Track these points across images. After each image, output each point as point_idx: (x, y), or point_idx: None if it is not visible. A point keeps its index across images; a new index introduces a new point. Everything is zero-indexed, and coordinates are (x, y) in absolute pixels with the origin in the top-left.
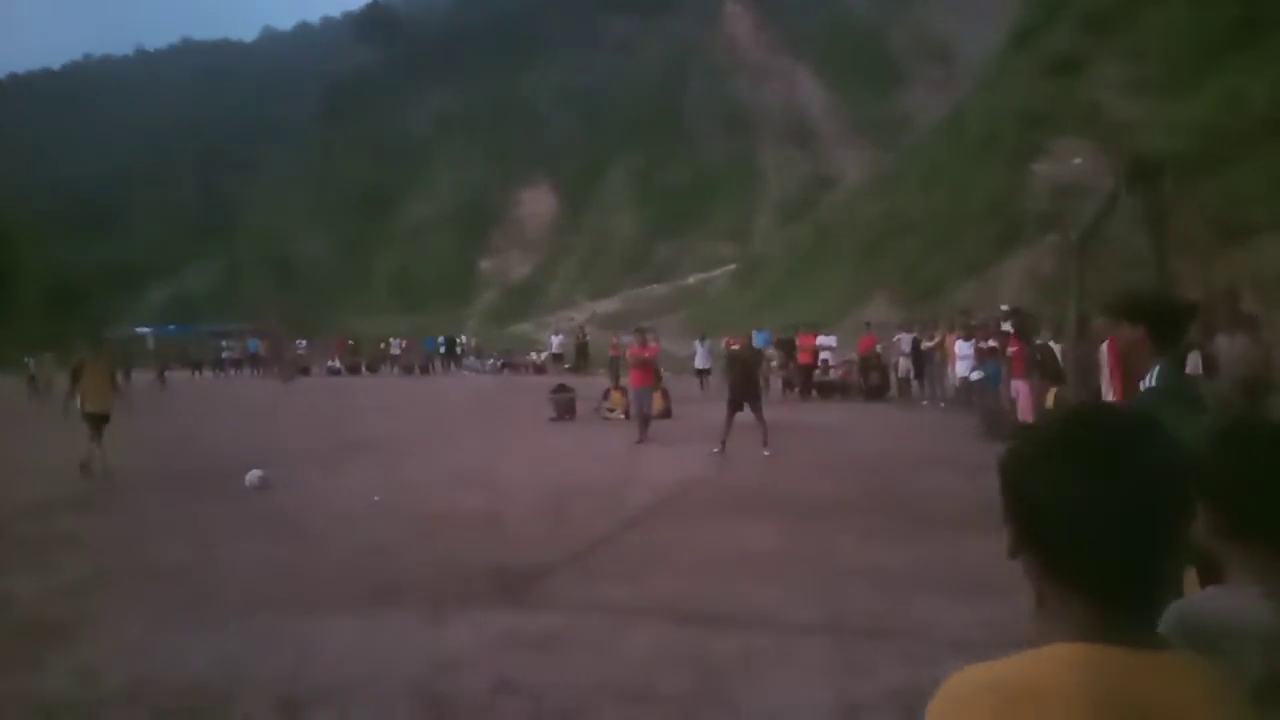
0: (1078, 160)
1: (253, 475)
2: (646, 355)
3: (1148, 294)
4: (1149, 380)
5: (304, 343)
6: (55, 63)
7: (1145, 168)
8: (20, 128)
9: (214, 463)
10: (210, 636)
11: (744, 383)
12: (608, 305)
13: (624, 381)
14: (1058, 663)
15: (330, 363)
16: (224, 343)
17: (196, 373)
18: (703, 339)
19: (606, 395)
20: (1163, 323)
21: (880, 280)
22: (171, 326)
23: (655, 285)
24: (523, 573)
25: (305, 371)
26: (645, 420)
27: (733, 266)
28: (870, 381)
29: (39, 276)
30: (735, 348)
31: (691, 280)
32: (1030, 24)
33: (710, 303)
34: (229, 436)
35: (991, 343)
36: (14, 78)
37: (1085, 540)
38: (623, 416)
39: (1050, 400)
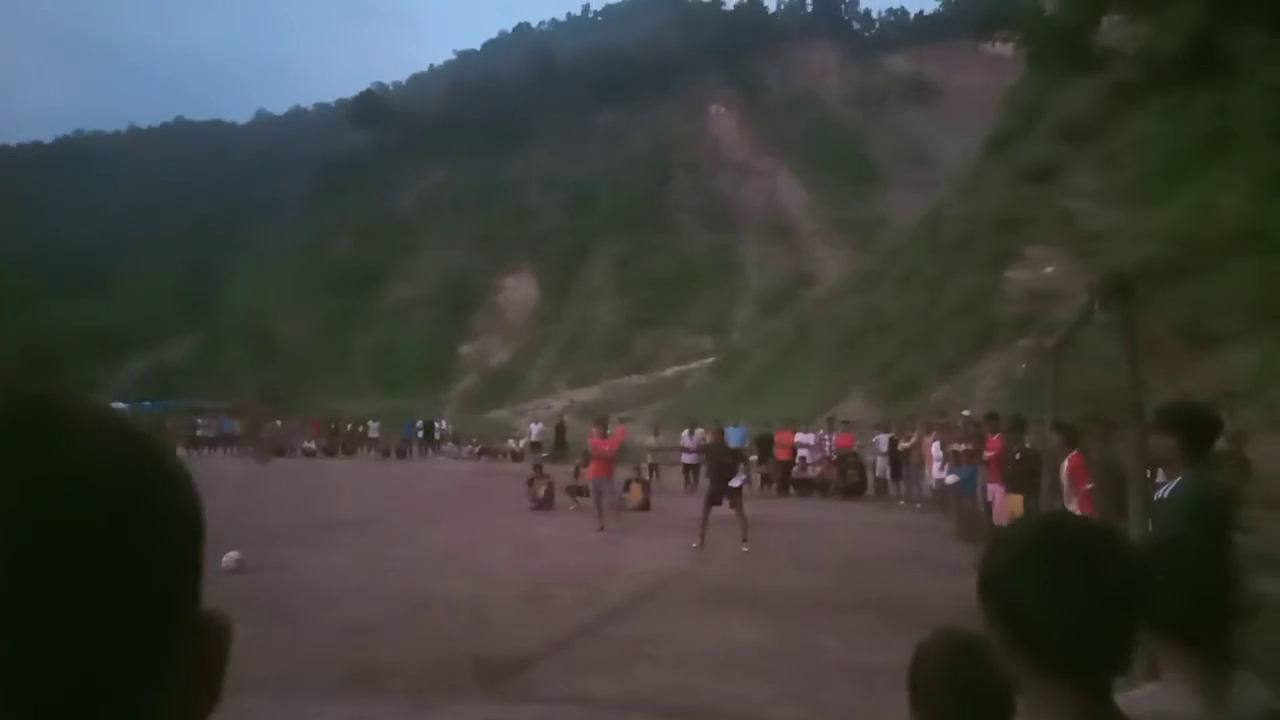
0: (1050, 268)
1: (229, 557)
2: (606, 448)
3: (1182, 405)
4: (1164, 491)
5: (280, 423)
6: (47, 136)
7: (1118, 278)
8: (10, 197)
9: None
10: None
11: (718, 476)
12: (586, 394)
13: (584, 473)
14: None
15: (307, 443)
16: (199, 420)
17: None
18: (691, 431)
19: (627, 487)
20: (1196, 434)
21: (857, 378)
22: (147, 402)
23: (634, 375)
24: (505, 662)
25: (281, 452)
26: (603, 510)
27: (711, 359)
28: (848, 480)
29: (18, 342)
30: (707, 440)
31: (670, 372)
32: (1007, 131)
33: (688, 394)
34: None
35: (965, 445)
36: (4, 149)
37: (1077, 638)
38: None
39: (1018, 507)
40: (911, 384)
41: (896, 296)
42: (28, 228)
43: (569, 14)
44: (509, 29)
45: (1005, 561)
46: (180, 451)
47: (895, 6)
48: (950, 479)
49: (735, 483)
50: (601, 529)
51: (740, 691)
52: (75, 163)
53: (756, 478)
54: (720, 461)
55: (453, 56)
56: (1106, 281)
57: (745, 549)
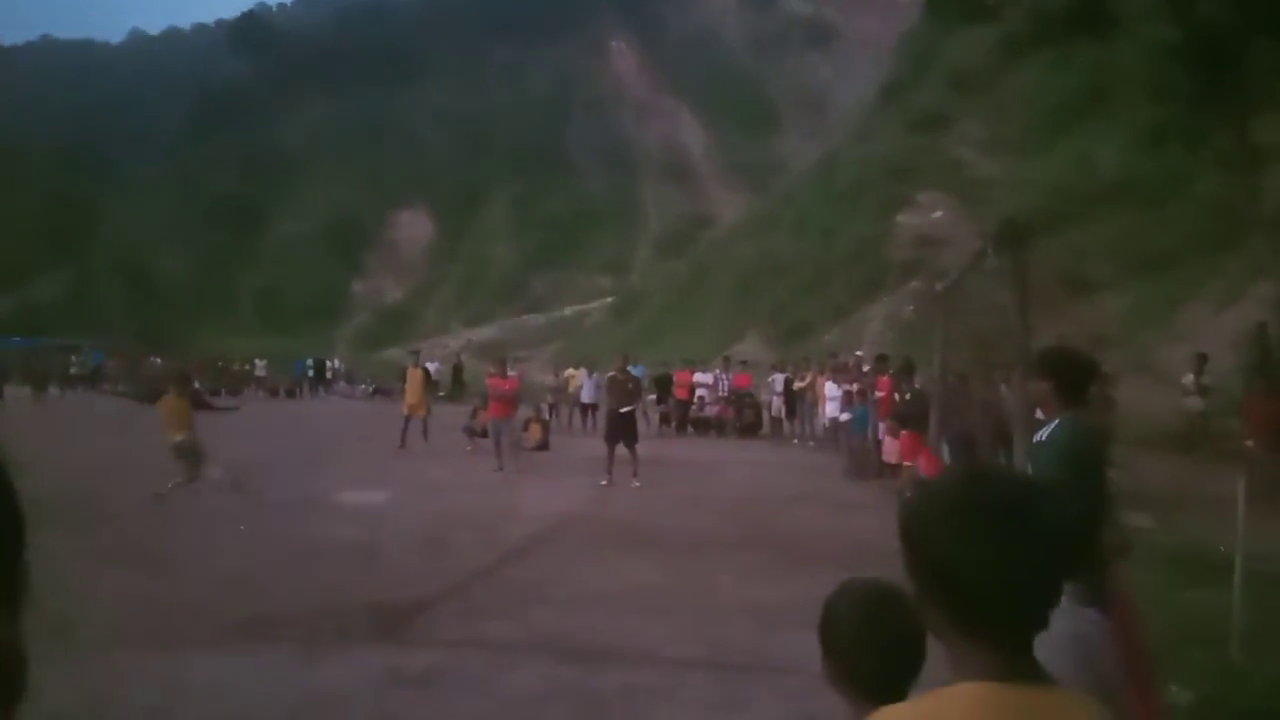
0: (939, 214)
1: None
2: (505, 388)
3: (1058, 350)
4: (1043, 434)
5: (159, 361)
6: None
7: (1011, 225)
8: None
9: (64, 488)
10: (67, 671)
11: (620, 412)
12: (483, 333)
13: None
14: (967, 701)
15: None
16: (74, 358)
17: (39, 390)
18: (590, 371)
19: (526, 426)
20: (1071, 378)
21: (753, 319)
22: (16, 338)
23: (532, 315)
24: (400, 608)
25: (162, 392)
26: (502, 450)
27: (610, 300)
28: (744, 419)
29: None
30: (612, 373)
31: (568, 312)
32: (900, 78)
33: (586, 335)
34: (80, 459)
35: (856, 385)
36: None
37: (992, 595)
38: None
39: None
40: (805, 326)
41: (791, 240)
42: None
43: None
44: None
45: (927, 515)
46: (53, 390)
47: None
48: (843, 417)
49: (627, 409)
50: (500, 470)
51: (638, 631)
52: None
53: (655, 417)
54: (625, 393)
55: None
56: (1000, 230)
57: (636, 484)
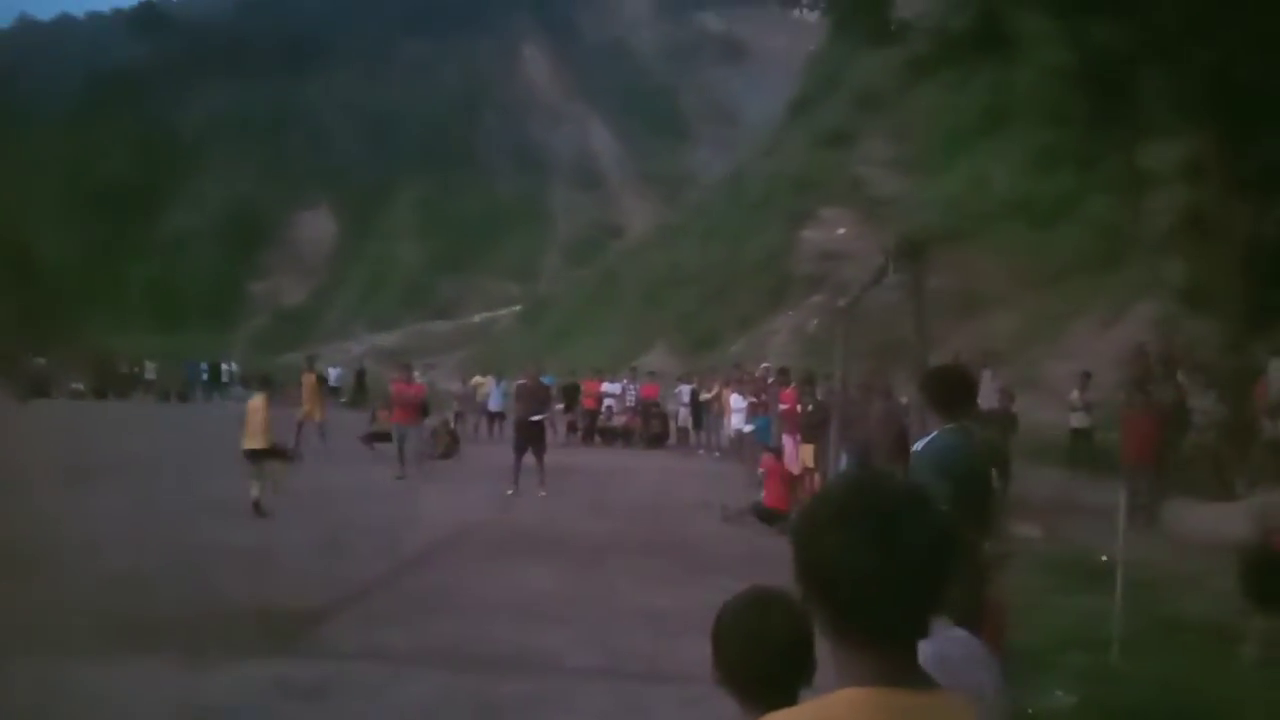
0: (842, 230)
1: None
2: (412, 392)
3: (932, 369)
4: (920, 444)
5: (42, 359)
6: None
7: (911, 242)
8: None
9: None
10: None
11: (530, 420)
12: (387, 339)
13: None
14: (852, 706)
15: (74, 384)
16: None
17: None
18: (498, 379)
19: (433, 435)
20: (941, 394)
21: (660, 329)
22: None
23: (438, 321)
24: (293, 616)
25: (44, 392)
26: (405, 457)
27: (518, 307)
28: (651, 429)
29: None
30: (523, 381)
31: (476, 319)
32: (808, 95)
33: (494, 342)
34: None
35: (761, 397)
36: None
37: (873, 601)
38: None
39: (808, 456)
40: (711, 337)
41: (699, 251)
42: None
43: None
44: None
45: (813, 519)
46: None
47: None
48: (747, 429)
49: (537, 417)
50: (402, 477)
51: (538, 639)
52: None
53: (563, 426)
54: (535, 401)
55: None
56: (900, 245)
57: (543, 494)
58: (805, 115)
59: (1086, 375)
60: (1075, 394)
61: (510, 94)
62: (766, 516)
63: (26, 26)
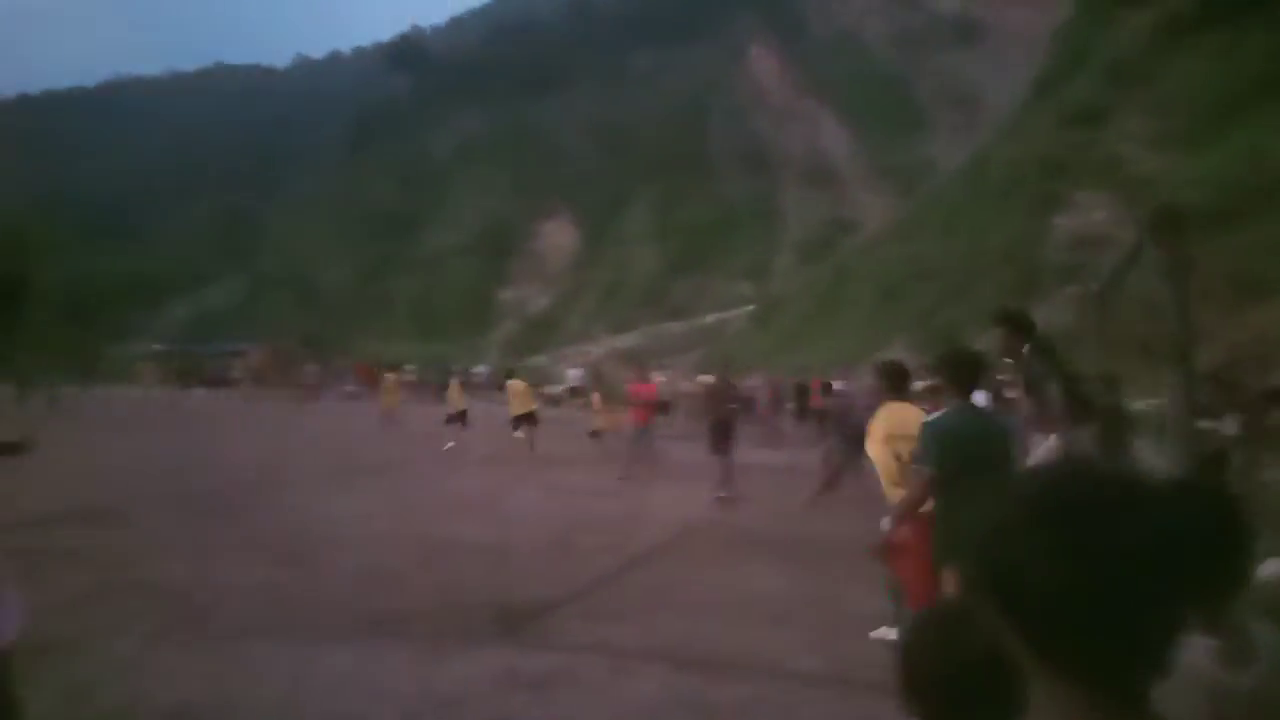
0: (1100, 213)
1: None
2: (646, 393)
3: (948, 351)
4: (929, 418)
5: (318, 366)
6: (89, 80)
7: (1169, 220)
8: (52, 141)
9: (219, 483)
10: (202, 659)
11: (720, 421)
12: (625, 341)
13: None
14: None
15: (347, 386)
16: (234, 362)
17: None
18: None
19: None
20: (953, 373)
21: (898, 327)
22: (183, 345)
23: (673, 322)
24: (524, 609)
25: (319, 395)
26: (634, 459)
27: (751, 306)
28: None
29: (60, 286)
30: (710, 381)
31: (710, 319)
32: (1054, 72)
33: (728, 342)
34: (239, 457)
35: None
36: (49, 94)
37: (1081, 622)
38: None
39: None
40: (952, 333)
41: (939, 244)
42: (70, 172)
43: None
44: None
45: (1000, 521)
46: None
47: None
48: None
49: (725, 418)
50: (627, 477)
51: (761, 641)
52: (116, 107)
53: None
54: (723, 401)
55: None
56: (1156, 218)
57: (722, 495)
58: (1051, 93)
59: None
60: None
61: (738, 96)
62: None
63: (302, 65)
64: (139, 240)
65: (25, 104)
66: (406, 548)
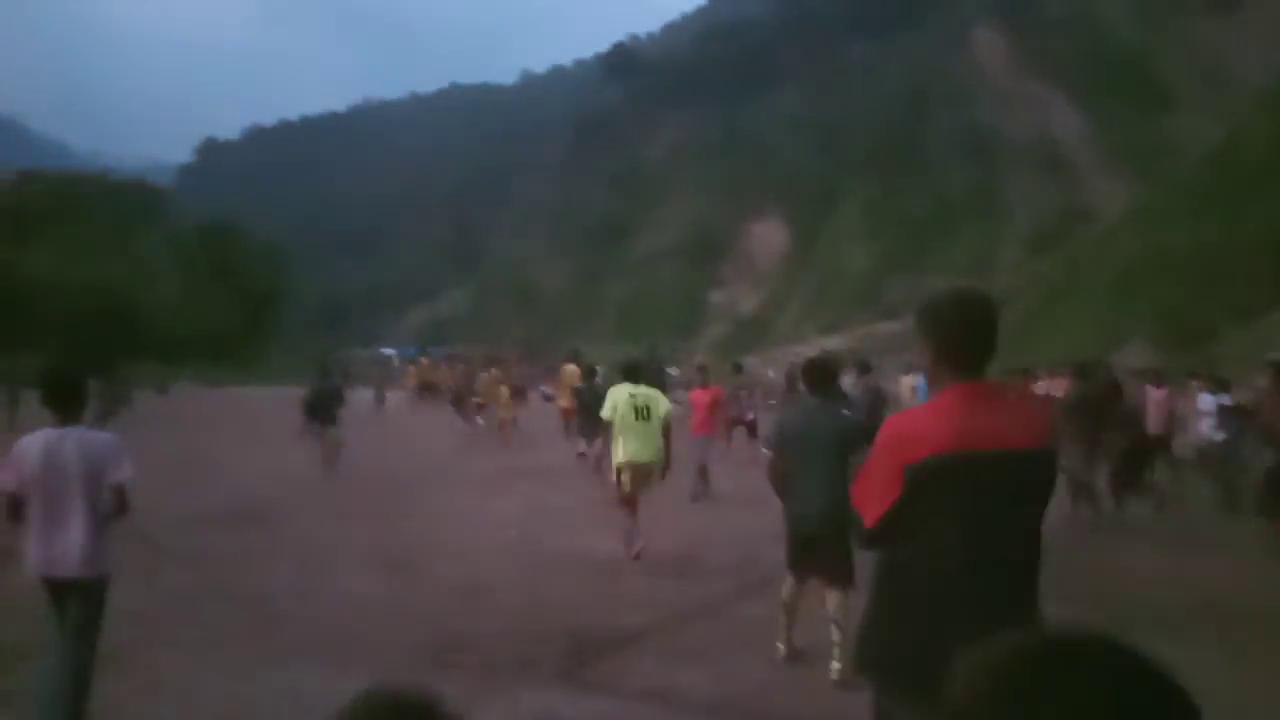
0: None
1: None
2: (708, 399)
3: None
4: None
5: (528, 368)
6: (341, 105)
7: None
8: (309, 164)
9: (371, 485)
10: (234, 681)
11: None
12: (837, 341)
13: None
14: None
15: (543, 388)
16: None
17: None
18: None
19: None
20: (808, 378)
21: (1137, 322)
22: (411, 349)
23: (886, 322)
24: (597, 641)
25: (523, 395)
26: (703, 472)
27: None
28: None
29: (314, 295)
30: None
31: None
32: None
33: None
34: (402, 459)
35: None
36: (305, 120)
37: None
38: None
39: None
40: (1201, 331)
41: (1185, 231)
42: (323, 191)
43: None
44: None
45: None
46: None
47: None
48: (1219, 437)
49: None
50: (695, 498)
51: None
52: (363, 130)
53: None
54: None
55: (704, 2)
56: None
57: None
58: None
59: None
60: None
61: (959, 83)
62: None
63: (527, 81)
64: (381, 253)
65: (286, 130)
66: (519, 561)
